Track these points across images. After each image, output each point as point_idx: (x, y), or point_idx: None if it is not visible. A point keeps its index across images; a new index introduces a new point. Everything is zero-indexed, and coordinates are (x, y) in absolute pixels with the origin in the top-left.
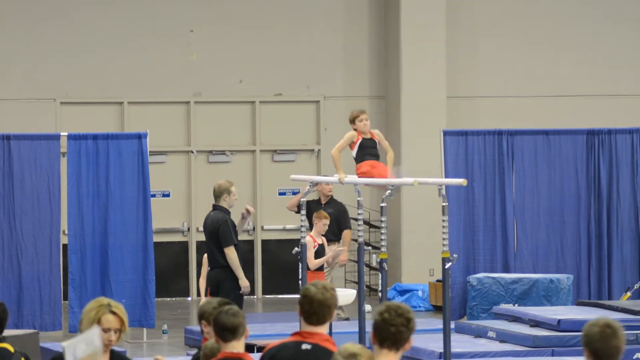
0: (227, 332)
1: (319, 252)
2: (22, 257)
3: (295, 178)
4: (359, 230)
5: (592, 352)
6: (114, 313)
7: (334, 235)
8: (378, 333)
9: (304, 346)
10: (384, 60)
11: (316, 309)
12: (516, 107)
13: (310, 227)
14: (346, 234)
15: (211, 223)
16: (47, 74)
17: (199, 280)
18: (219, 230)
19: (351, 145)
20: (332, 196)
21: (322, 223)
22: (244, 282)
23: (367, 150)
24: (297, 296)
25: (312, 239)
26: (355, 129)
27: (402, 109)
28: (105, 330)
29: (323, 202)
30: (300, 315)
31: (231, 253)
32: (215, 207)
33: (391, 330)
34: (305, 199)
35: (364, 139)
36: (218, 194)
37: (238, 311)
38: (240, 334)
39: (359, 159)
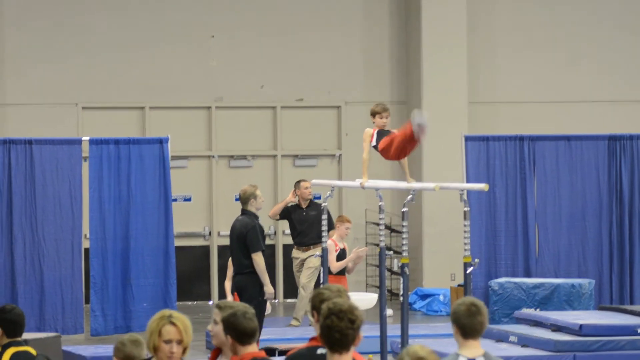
0: (246, 336)
1: (341, 257)
2: (44, 261)
3: (317, 183)
4: (380, 235)
5: (460, 328)
6: (174, 324)
7: (313, 238)
8: (325, 339)
9: (319, 351)
10: (405, 65)
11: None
12: (537, 113)
13: (293, 232)
14: (332, 235)
15: (239, 228)
16: (69, 79)
17: (224, 282)
18: (247, 236)
19: (370, 138)
20: (311, 199)
21: (345, 227)
22: (269, 289)
23: (384, 134)
24: None
25: (334, 243)
26: (373, 122)
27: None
28: (166, 342)
29: (304, 206)
30: (317, 320)
31: (258, 259)
32: (244, 212)
33: (336, 336)
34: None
35: (380, 129)
36: (245, 199)
37: (254, 314)
38: (257, 337)
39: (377, 141)
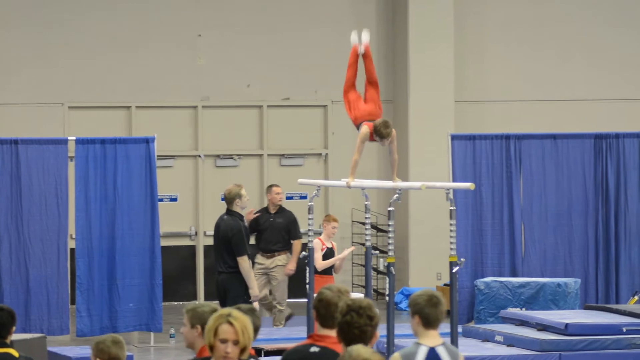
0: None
1: (327, 256)
2: (30, 262)
3: (303, 182)
4: (366, 234)
5: (422, 318)
6: (231, 324)
7: (283, 245)
8: (343, 335)
9: (313, 349)
10: (392, 64)
11: (333, 313)
12: (524, 112)
13: (257, 236)
14: (296, 244)
15: (224, 229)
16: (55, 79)
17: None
18: (232, 240)
19: (370, 137)
20: (281, 205)
21: (332, 226)
22: (254, 291)
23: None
24: (304, 300)
25: (321, 242)
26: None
27: (410, 114)
28: (222, 341)
29: (272, 212)
30: (316, 319)
31: (244, 263)
32: (229, 212)
33: (355, 332)
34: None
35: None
36: (230, 199)
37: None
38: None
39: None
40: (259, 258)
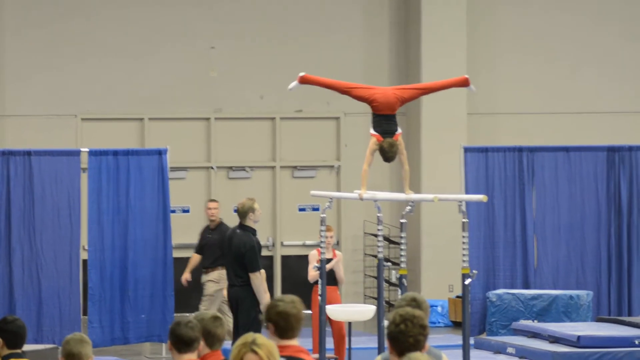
0: (183, 343)
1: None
2: (42, 273)
3: (315, 194)
4: (378, 246)
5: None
6: (255, 352)
7: (212, 262)
8: (397, 345)
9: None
10: (405, 76)
11: (293, 324)
12: (537, 124)
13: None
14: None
15: (237, 244)
16: (68, 90)
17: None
18: (246, 256)
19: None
20: (221, 221)
21: (329, 235)
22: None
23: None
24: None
25: (318, 253)
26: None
27: (423, 126)
28: None
29: (211, 227)
30: (275, 332)
31: (256, 279)
32: (241, 226)
33: (410, 341)
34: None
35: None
36: (243, 213)
37: (197, 324)
38: (195, 347)
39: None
40: (202, 276)
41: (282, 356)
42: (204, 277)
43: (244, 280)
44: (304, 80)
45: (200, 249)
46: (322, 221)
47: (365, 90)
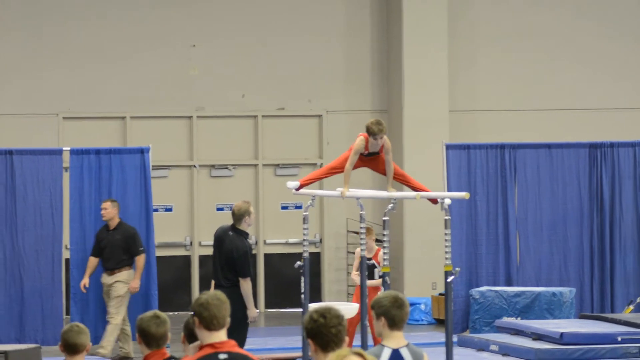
0: (153, 339)
1: (369, 267)
2: (24, 272)
3: (298, 192)
4: (361, 244)
5: (388, 319)
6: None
7: (117, 263)
8: (318, 339)
9: (222, 356)
10: (386, 74)
11: (215, 313)
12: (519, 121)
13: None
14: (139, 260)
15: (230, 247)
16: (49, 89)
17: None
18: (237, 261)
19: (365, 149)
20: (120, 220)
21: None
22: (252, 313)
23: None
24: (300, 310)
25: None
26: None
27: (405, 123)
28: None
29: (111, 228)
30: (200, 324)
31: (246, 285)
32: (234, 229)
33: (332, 332)
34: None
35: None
36: (239, 216)
37: (166, 320)
38: (164, 341)
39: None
40: (103, 277)
41: (223, 352)
42: (109, 279)
43: (232, 282)
44: (302, 187)
45: (99, 251)
46: (305, 219)
47: (355, 157)
